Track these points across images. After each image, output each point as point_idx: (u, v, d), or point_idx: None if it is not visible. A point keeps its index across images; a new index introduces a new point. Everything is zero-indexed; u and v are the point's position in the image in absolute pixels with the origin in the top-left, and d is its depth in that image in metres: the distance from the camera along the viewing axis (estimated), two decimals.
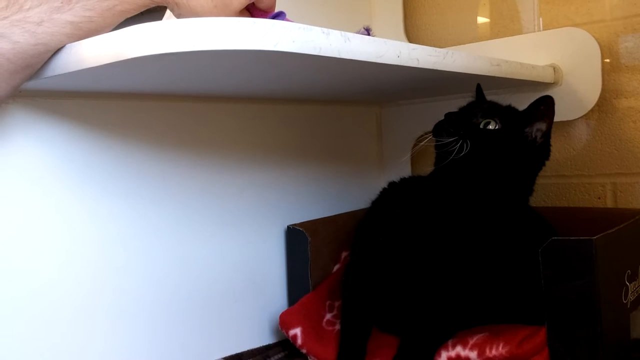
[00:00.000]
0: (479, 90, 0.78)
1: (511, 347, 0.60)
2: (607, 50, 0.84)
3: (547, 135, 0.70)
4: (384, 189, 0.83)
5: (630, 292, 0.63)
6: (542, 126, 0.69)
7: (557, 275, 0.57)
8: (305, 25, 0.44)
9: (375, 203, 0.83)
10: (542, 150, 0.70)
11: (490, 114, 0.69)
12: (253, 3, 0.51)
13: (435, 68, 0.59)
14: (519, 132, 0.69)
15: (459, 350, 0.63)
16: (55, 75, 0.47)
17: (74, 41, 0.45)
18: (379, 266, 0.71)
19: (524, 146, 0.69)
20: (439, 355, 0.64)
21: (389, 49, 0.52)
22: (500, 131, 0.68)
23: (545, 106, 0.68)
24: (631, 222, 0.68)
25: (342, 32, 0.47)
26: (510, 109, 0.73)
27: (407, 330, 0.68)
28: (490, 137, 0.68)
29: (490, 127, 0.68)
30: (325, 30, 0.45)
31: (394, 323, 0.72)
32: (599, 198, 0.86)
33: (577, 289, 0.55)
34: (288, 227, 0.84)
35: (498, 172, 0.68)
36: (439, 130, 0.70)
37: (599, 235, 0.56)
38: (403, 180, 0.82)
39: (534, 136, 0.69)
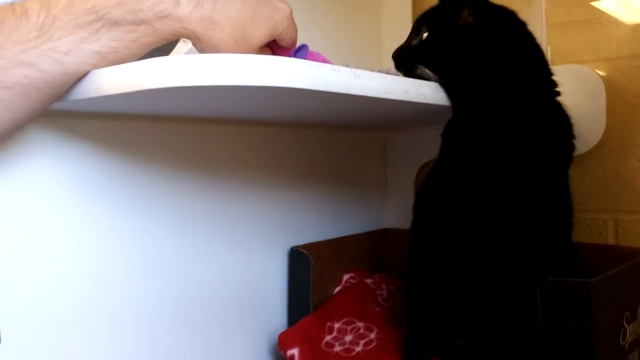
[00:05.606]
0: None
1: None
2: (612, 88, 0.86)
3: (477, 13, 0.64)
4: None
5: (628, 333, 0.64)
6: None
7: (554, 315, 0.57)
8: (317, 63, 0.45)
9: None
10: (481, 32, 0.63)
11: (421, 23, 0.66)
12: (274, 40, 0.53)
13: (441, 103, 0.60)
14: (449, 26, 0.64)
15: None
16: (76, 100, 0.48)
17: None
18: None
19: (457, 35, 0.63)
20: None
21: (397, 86, 0.54)
22: (429, 38, 0.64)
23: None
24: (630, 263, 0.68)
25: (352, 69, 0.49)
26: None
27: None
28: (423, 49, 0.64)
29: (423, 37, 0.65)
30: (336, 67, 0.47)
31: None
32: (600, 233, 0.87)
33: (574, 330, 0.56)
34: (292, 248, 0.85)
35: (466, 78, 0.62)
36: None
37: (597, 278, 0.57)
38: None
39: (464, 22, 0.64)
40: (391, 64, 0.70)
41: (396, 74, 0.66)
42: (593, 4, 0.88)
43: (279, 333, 0.78)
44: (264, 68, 0.42)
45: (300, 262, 0.84)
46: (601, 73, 0.85)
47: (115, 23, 0.46)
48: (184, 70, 0.42)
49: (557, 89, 0.69)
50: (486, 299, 0.65)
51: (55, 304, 0.60)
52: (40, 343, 0.59)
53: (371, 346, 0.79)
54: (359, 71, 0.49)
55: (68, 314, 0.61)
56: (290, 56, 0.56)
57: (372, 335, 0.80)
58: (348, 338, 0.80)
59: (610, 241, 0.87)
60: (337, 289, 0.89)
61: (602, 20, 0.87)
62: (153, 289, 0.69)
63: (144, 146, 0.68)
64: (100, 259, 0.64)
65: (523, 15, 0.69)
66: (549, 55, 0.92)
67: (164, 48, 0.51)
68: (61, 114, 0.59)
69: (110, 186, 0.65)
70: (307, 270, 0.83)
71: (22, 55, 0.43)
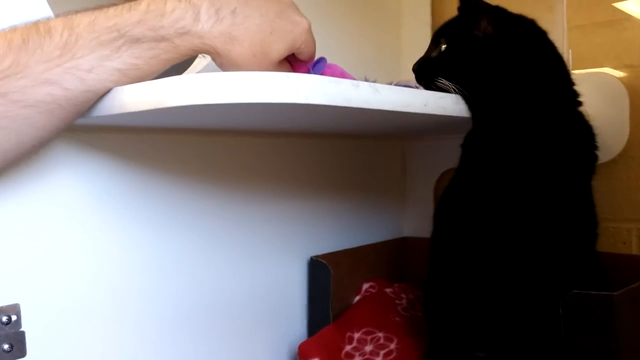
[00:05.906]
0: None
1: None
2: (636, 95, 0.84)
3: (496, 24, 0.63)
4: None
5: None
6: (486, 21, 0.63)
7: (577, 328, 0.57)
8: (336, 79, 0.46)
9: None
10: (498, 43, 0.62)
11: (439, 35, 0.66)
12: (293, 54, 0.53)
13: (461, 115, 0.60)
14: (467, 37, 0.64)
15: None
16: (98, 116, 0.49)
17: None
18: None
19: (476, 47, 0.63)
20: None
21: (415, 98, 0.53)
22: (448, 50, 0.64)
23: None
24: None
25: (371, 83, 0.49)
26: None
27: None
28: (442, 61, 0.65)
29: (442, 49, 0.65)
30: (355, 82, 0.47)
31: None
32: (624, 243, 0.86)
33: (597, 343, 0.55)
34: (311, 258, 0.85)
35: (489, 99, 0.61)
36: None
37: (620, 291, 0.56)
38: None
39: (483, 32, 0.63)
40: (411, 75, 0.70)
41: (416, 86, 0.66)
42: (616, 5, 0.87)
43: (299, 343, 0.78)
44: (283, 85, 0.43)
45: (320, 271, 0.84)
46: (623, 77, 0.83)
47: (136, 40, 0.46)
48: (204, 88, 0.42)
49: (579, 99, 0.68)
50: (508, 310, 0.64)
51: (77, 315, 0.61)
52: (62, 354, 0.60)
53: (391, 357, 0.78)
54: (378, 85, 0.49)
55: (90, 325, 0.62)
56: (308, 69, 0.56)
57: (392, 346, 0.80)
58: (368, 348, 0.80)
59: (634, 251, 0.85)
60: (357, 298, 0.89)
61: (627, 24, 0.86)
62: (173, 299, 0.70)
63: (163, 158, 0.69)
64: (121, 270, 0.65)
65: (544, 20, 0.69)
66: (569, 60, 0.91)
67: (182, 62, 0.51)
68: (83, 128, 0.60)
69: (131, 198, 0.65)
70: (326, 280, 0.83)
71: (45, 73, 0.44)
